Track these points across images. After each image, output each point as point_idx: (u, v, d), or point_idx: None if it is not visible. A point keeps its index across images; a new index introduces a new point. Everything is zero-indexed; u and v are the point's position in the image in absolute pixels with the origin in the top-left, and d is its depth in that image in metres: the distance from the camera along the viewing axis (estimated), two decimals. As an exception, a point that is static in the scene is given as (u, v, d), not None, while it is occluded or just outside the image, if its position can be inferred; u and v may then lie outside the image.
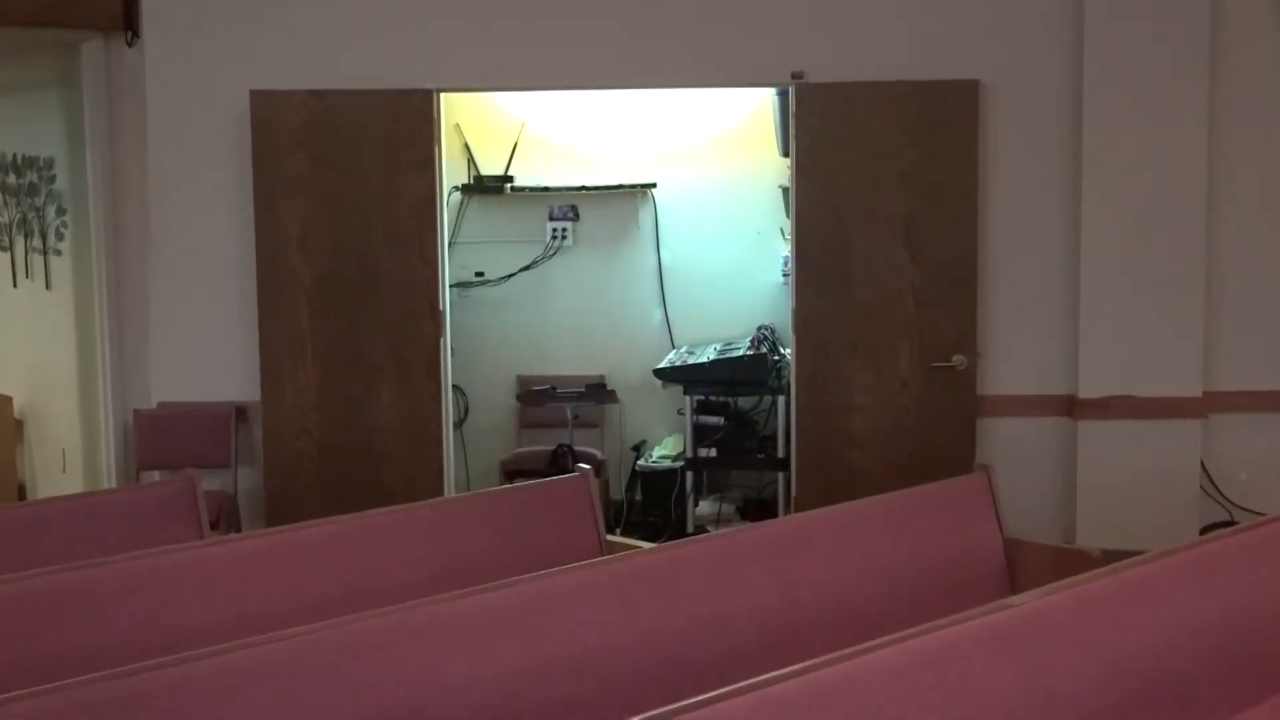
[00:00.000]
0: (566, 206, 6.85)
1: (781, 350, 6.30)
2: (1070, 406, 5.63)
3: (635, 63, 5.71)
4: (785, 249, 6.31)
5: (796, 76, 5.57)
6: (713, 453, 6.15)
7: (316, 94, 5.56)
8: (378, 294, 5.62)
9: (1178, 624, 3.03)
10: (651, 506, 6.47)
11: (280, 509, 5.54)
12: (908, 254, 5.52)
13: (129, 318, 5.97)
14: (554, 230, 6.85)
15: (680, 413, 6.39)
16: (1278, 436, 5.66)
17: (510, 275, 6.92)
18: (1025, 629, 2.73)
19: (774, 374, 6.13)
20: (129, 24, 5.78)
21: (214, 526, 4.79)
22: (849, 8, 5.64)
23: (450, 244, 6.27)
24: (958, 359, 5.53)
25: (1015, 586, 3.85)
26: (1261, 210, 5.65)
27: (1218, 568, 3.23)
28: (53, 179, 6.46)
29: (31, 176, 6.58)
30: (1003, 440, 5.63)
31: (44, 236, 6.53)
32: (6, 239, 6.82)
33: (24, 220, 6.66)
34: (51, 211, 6.47)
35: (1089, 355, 5.56)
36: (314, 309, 5.62)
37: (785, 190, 6.04)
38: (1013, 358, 5.67)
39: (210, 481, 5.27)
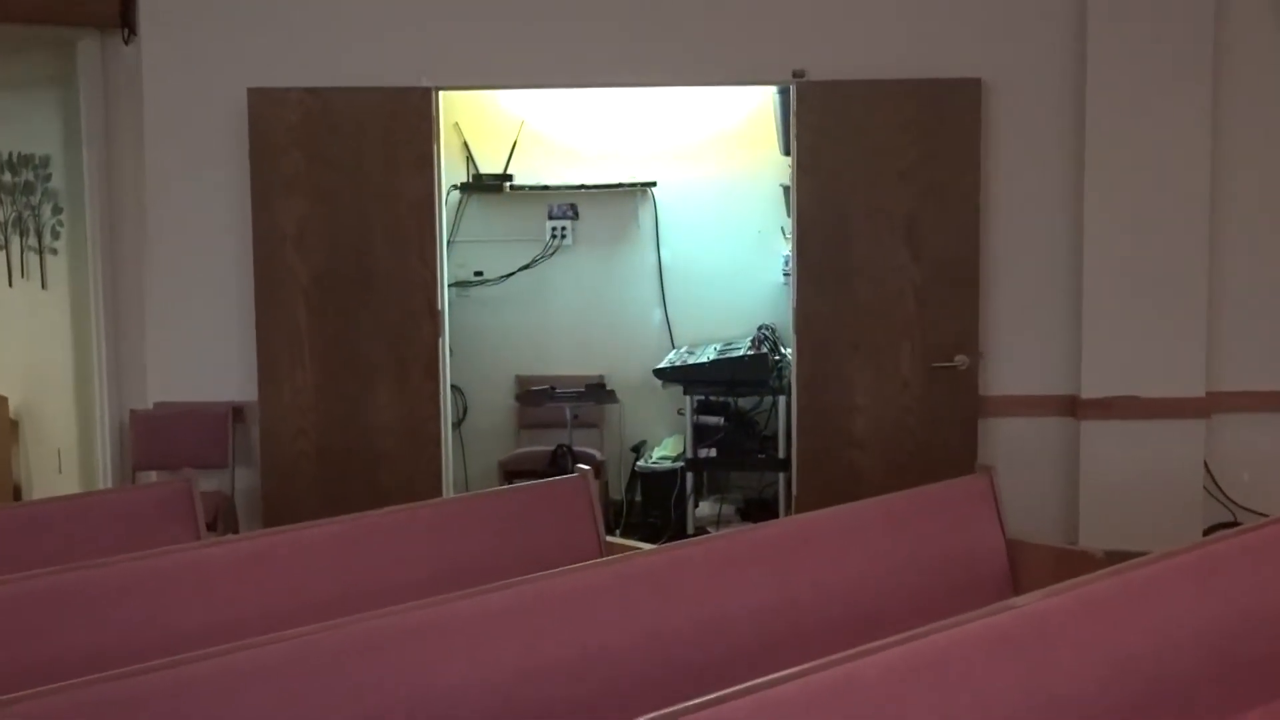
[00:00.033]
0: (566, 205, 6.84)
1: (782, 350, 6.29)
2: (1073, 407, 5.61)
3: (635, 61, 5.69)
4: (786, 248, 6.30)
5: (797, 75, 5.55)
6: (713, 453, 6.14)
7: (314, 92, 5.54)
8: (376, 293, 5.60)
9: (1181, 625, 3.02)
10: (651, 507, 6.46)
11: (278, 510, 5.52)
12: (909, 253, 5.50)
13: (125, 317, 5.96)
14: (553, 229, 6.84)
15: (680, 413, 6.38)
16: (1281, 437, 5.65)
17: (509, 274, 6.91)
18: (1027, 630, 2.72)
19: (774, 374, 6.12)
20: (126, 21, 5.77)
21: (211, 527, 4.79)
22: (850, 6, 5.63)
23: (449, 243, 6.26)
24: (959, 359, 5.51)
25: (1017, 588, 3.84)
26: (1265, 209, 5.64)
27: (1221, 569, 3.21)
28: (49, 177, 6.44)
29: (27, 175, 6.56)
30: (1005, 440, 5.62)
31: (40, 235, 6.52)
32: (2, 238, 6.80)
33: (19, 219, 6.64)
34: (47, 210, 6.45)
35: (1091, 355, 5.54)
36: (312, 308, 5.60)
37: (786, 189, 6.03)
38: (1015, 358, 5.65)
39: (207, 482, 5.25)
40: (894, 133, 5.48)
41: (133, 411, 5.84)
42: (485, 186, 6.81)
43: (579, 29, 5.66)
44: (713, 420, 6.16)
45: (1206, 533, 5.33)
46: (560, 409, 6.50)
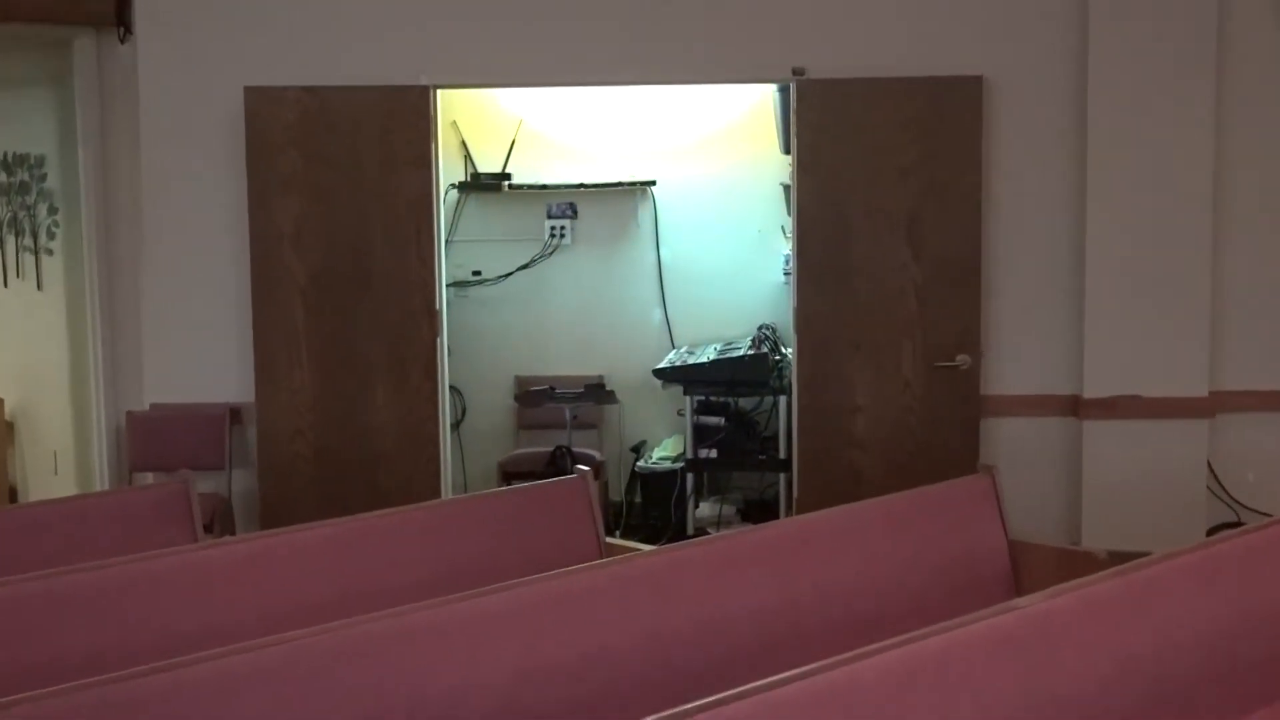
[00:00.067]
0: (565, 204, 6.83)
1: (783, 350, 6.28)
2: (1075, 406, 5.59)
3: (634, 59, 5.67)
4: (786, 247, 6.29)
5: (797, 73, 5.53)
6: (713, 454, 6.13)
7: (311, 90, 5.52)
8: (373, 293, 5.58)
9: (1184, 626, 3.02)
10: (651, 508, 6.46)
11: (275, 511, 5.49)
12: (910, 252, 5.48)
13: (121, 318, 5.94)
14: (552, 228, 6.83)
15: (680, 413, 6.37)
16: (1285, 437, 5.63)
17: (508, 274, 6.90)
18: (1030, 631, 2.71)
19: (775, 374, 6.11)
20: (121, 20, 5.75)
21: (208, 529, 4.76)
22: (850, 3, 5.61)
23: (447, 242, 6.25)
24: (961, 358, 5.49)
25: (1020, 588, 3.84)
26: (1268, 208, 5.62)
27: (1224, 569, 3.21)
28: (44, 177, 6.42)
29: (22, 175, 6.54)
30: (1007, 440, 5.59)
31: (35, 236, 6.49)
32: (-3, 238, 6.79)
33: (15, 219, 6.61)
34: (43, 210, 6.43)
35: (1094, 354, 5.52)
36: (309, 308, 5.58)
37: (786, 188, 6.02)
38: (1017, 357, 5.63)
39: (204, 484, 5.22)
40: (895, 131, 5.46)
41: (129, 413, 5.82)
42: (483, 186, 6.80)
43: (578, 27, 5.64)
44: (713, 420, 6.15)
45: (1210, 533, 5.31)
46: (559, 409, 6.48)
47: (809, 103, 5.50)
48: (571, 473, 4.24)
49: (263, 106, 5.50)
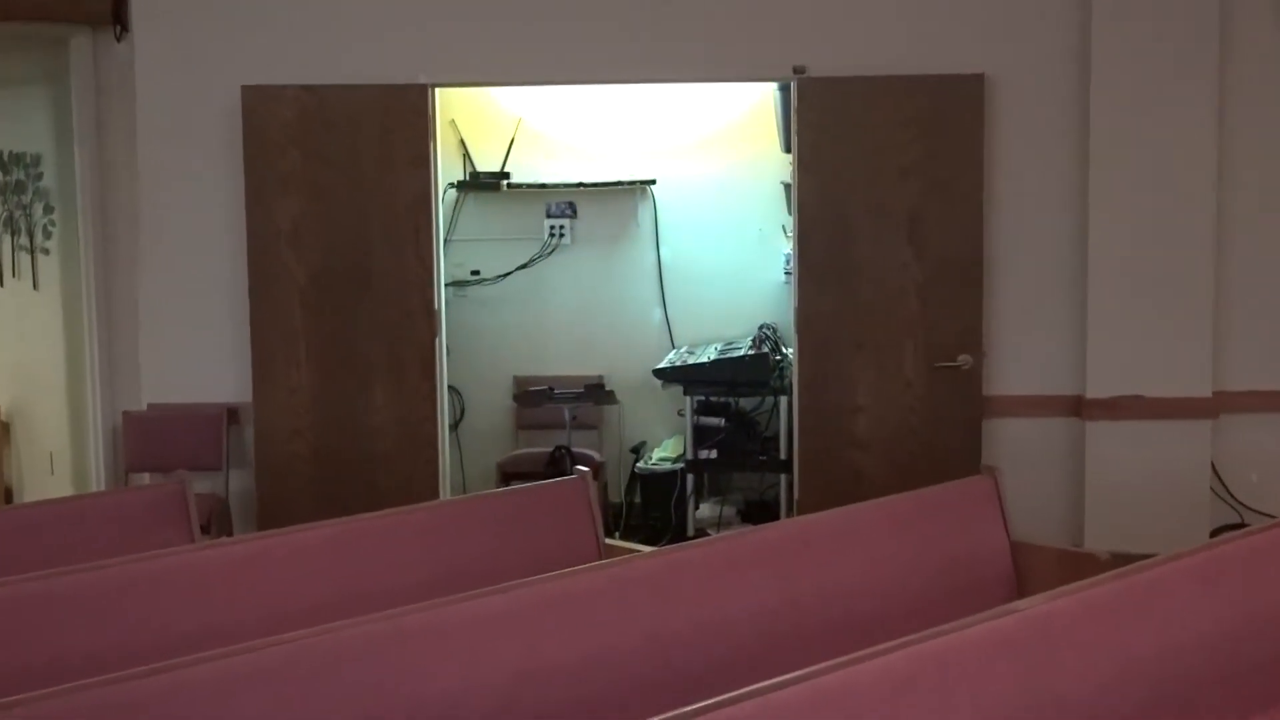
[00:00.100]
0: (564, 203, 6.82)
1: (783, 350, 6.26)
2: (1078, 407, 5.57)
3: (634, 57, 5.65)
4: (787, 246, 6.29)
5: (798, 71, 5.51)
6: (713, 454, 6.12)
7: (309, 89, 5.50)
8: (372, 293, 5.56)
9: (1187, 628, 3.01)
10: (651, 509, 6.45)
11: (272, 512, 5.47)
12: (912, 251, 5.46)
13: (118, 317, 5.92)
14: (551, 228, 6.83)
15: (680, 414, 6.36)
16: (1289, 437, 5.62)
17: (507, 274, 6.90)
18: (1032, 634, 2.71)
19: (776, 374, 6.10)
20: (118, 18, 5.72)
21: (205, 530, 4.76)
22: (851, 1, 5.58)
23: (446, 242, 6.24)
24: (963, 358, 5.47)
25: (1022, 590, 3.83)
26: (1271, 207, 5.59)
27: (1227, 571, 3.21)
28: (40, 176, 6.40)
29: (18, 174, 6.52)
30: (1009, 441, 5.57)
31: (31, 235, 6.47)
32: (-8, 237, 6.77)
33: (10, 218, 6.59)
34: (39, 209, 6.41)
35: (1097, 354, 5.50)
36: (307, 308, 5.56)
37: (787, 186, 6.01)
38: (1019, 357, 5.61)
39: (201, 484, 5.20)
40: (896, 129, 5.44)
41: (126, 413, 5.80)
42: (482, 185, 6.80)
43: (577, 25, 5.62)
44: (713, 421, 6.15)
45: (1213, 534, 5.29)
46: (559, 410, 6.47)
47: (810, 101, 5.48)
48: (571, 473, 4.23)
49: (260, 105, 5.48)
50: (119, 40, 5.75)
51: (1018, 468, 5.07)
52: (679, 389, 6.27)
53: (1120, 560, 3.28)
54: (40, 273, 6.46)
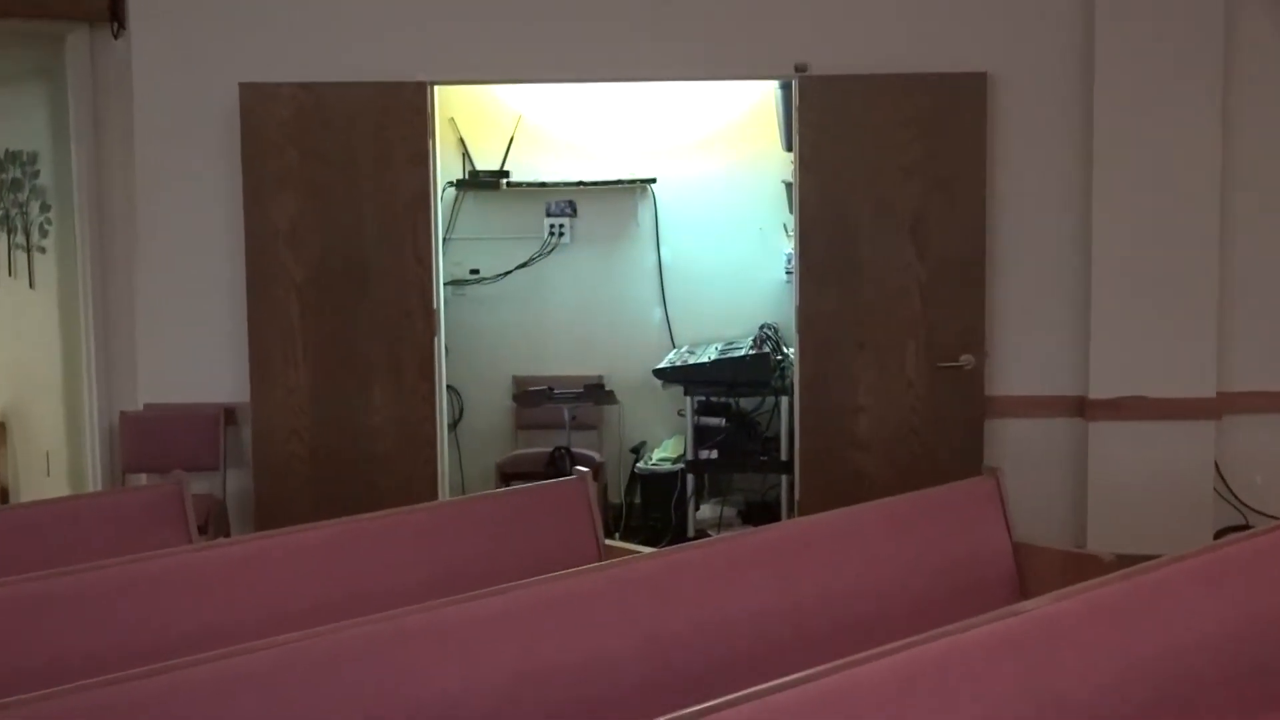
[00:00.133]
0: (564, 202, 6.80)
1: (784, 350, 6.25)
2: (1081, 407, 5.55)
3: (634, 55, 5.64)
4: (788, 246, 6.28)
5: (800, 69, 5.49)
6: (714, 455, 6.11)
7: (307, 87, 5.48)
8: (370, 292, 5.55)
9: (1190, 630, 3.01)
10: (651, 510, 6.44)
11: (270, 513, 5.46)
12: (914, 250, 5.45)
13: (115, 317, 5.89)
14: (551, 226, 6.81)
15: (681, 414, 6.34)
16: (1293, 438, 5.60)
17: (506, 273, 6.88)
18: (1035, 635, 2.70)
19: (777, 374, 6.09)
20: (115, 15, 5.70)
21: (202, 531, 4.74)
22: (853, -1, 5.57)
23: (444, 240, 6.22)
24: (965, 358, 5.45)
25: (1025, 592, 3.82)
26: (1276, 206, 5.58)
27: (1231, 572, 3.20)
28: (36, 174, 6.38)
29: (14, 172, 6.50)
30: (1012, 442, 5.56)
31: (27, 233, 6.45)
32: (-11, 236, 6.75)
33: (7, 217, 6.58)
34: (35, 208, 6.39)
35: (1100, 355, 5.49)
36: (305, 307, 5.54)
37: (788, 185, 6.00)
38: (1022, 357, 5.59)
39: (198, 485, 5.19)
40: (898, 128, 5.42)
41: (122, 413, 5.79)
42: (481, 183, 6.78)
43: (577, 22, 5.61)
44: (714, 421, 6.13)
45: (1217, 536, 5.30)
46: (558, 410, 6.44)
47: (811, 100, 5.46)
48: (570, 474, 4.22)
49: (258, 103, 5.46)
50: (116, 37, 5.73)
51: (1020, 468, 5.08)
52: (679, 389, 6.25)
53: (1124, 562, 3.27)
54: (36, 271, 6.44)
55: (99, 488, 5.88)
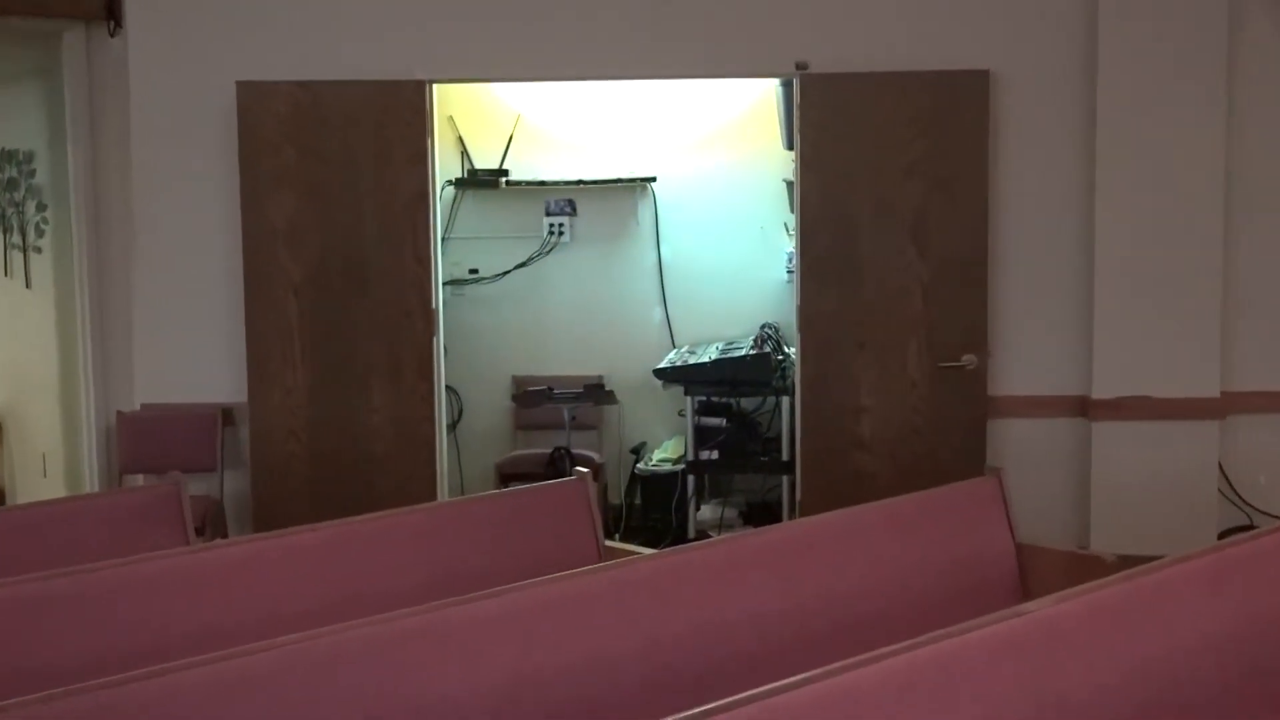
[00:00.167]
0: (564, 201, 6.79)
1: (786, 349, 6.23)
2: (1084, 407, 5.54)
3: (634, 53, 5.63)
4: (789, 245, 6.26)
5: (800, 67, 5.48)
6: (715, 455, 6.10)
7: (305, 85, 5.46)
8: (368, 292, 5.53)
9: (1194, 632, 3.00)
10: (651, 511, 6.43)
11: (268, 514, 5.45)
12: (916, 250, 5.43)
13: (111, 317, 5.89)
14: (551, 225, 6.80)
15: (681, 414, 6.33)
16: (1297, 438, 5.59)
17: (505, 272, 6.87)
18: (1037, 636, 2.69)
19: (778, 374, 6.08)
20: (111, 13, 5.70)
21: (199, 532, 4.71)
22: (854, -4, 5.55)
23: (443, 240, 6.21)
24: (968, 358, 5.43)
25: (1027, 593, 3.82)
26: (1279, 206, 5.55)
27: (1235, 574, 3.20)
28: (32, 173, 6.37)
29: (11, 171, 6.49)
30: (1014, 442, 5.54)
31: (23, 233, 6.45)
32: (-14, 236, 6.74)
33: (3, 216, 6.57)
34: (31, 207, 6.39)
35: (1103, 354, 5.47)
36: (303, 307, 5.53)
37: (789, 184, 5.98)
38: (1024, 357, 5.58)
39: (195, 486, 5.18)
40: (900, 126, 5.40)
41: (119, 413, 5.78)
42: (481, 182, 6.77)
43: (577, 20, 5.60)
44: (714, 422, 6.13)
45: (1221, 536, 5.28)
46: (558, 410, 6.43)
47: (812, 98, 5.44)
48: (570, 475, 4.21)
49: (255, 101, 5.44)
50: (113, 35, 5.73)
51: (1023, 469, 5.06)
52: (680, 389, 6.24)
53: (1127, 563, 3.25)
54: (33, 271, 6.43)
55: (96, 489, 5.88)
